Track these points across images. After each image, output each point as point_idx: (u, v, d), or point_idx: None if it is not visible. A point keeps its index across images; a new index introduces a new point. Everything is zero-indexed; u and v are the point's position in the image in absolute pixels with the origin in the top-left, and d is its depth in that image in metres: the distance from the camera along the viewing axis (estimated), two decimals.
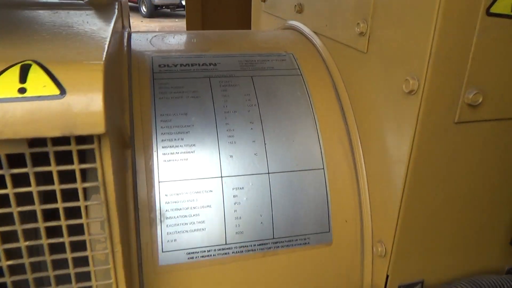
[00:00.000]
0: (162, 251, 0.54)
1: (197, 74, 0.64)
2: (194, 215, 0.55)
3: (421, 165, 0.51)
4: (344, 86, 0.65)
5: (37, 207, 0.40)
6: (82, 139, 0.39)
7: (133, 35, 0.73)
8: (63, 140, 0.38)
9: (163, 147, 0.57)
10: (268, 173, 0.59)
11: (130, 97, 0.59)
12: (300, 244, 0.59)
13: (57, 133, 0.36)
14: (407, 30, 0.48)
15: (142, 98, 0.60)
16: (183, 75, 0.64)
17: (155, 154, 0.56)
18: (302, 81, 0.67)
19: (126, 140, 0.54)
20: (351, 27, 0.60)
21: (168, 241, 0.55)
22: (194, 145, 0.58)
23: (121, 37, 0.67)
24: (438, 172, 0.52)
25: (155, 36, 0.74)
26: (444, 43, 0.45)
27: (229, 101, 0.62)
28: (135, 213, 0.54)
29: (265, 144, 0.60)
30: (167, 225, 0.55)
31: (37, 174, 0.39)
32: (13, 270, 0.42)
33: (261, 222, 0.58)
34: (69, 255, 0.43)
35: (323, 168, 0.61)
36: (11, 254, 0.41)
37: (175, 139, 0.58)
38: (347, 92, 0.65)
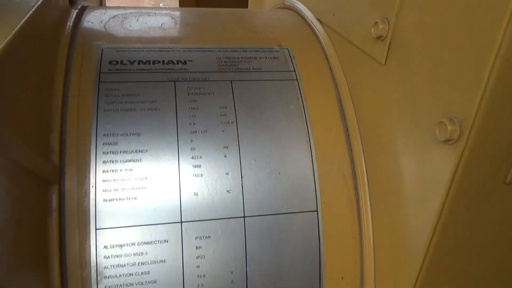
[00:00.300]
0: None
1: (160, 76, 0.49)
2: (142, 273, 0.42)
3: (452, 231, 0.37)
4: (352, 103, 0.50)
5: None
6: None
7: (86, 15, 0.57)
8: None
9: (104, 181, 0.43)
10: (244, 216, 0.45)
11: (63, 109, 0.44)
12: None
13: None
14: (452, 44, 0.32)
15: (80, 110, 0.45)
16: (140, 77, 0.48)
17: (92, 190, 0.42)
18: (298, 90, 0.51)
19: (46, 175, 0.39)
20: (365, 26, 0.43)
21: None
22: (146, 178, 0.44)
23: (62, 15, 0.51)
24: (475, 239, 0.38)
25: (114, 17, 0.57)
26: (508, 74, 0.29)
27: (198, 117, 0.47)
28: (61, 271, 0.40)
29: (241, 177, 0.46)
30: (105, 287, 0.41)
31: None
32: None
33: (232, 281, 0.45)
34: None
35: (317, 211, 0.47)
36: None
37: (121, 170, 0.43)
38: (356, 112, 0.50)
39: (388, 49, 0.41)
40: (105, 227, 0.42)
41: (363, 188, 0.48)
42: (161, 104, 0.47)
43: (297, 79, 0.52)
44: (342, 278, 0.48)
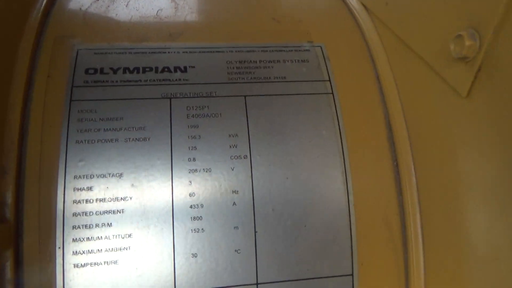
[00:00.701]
0: None
1: (151, 91, 0.37)
2: None
3: None
4: (406, 131, 0.37)
5: None
6: None
7: None
8: None
9: (74, 241, 0.33)
10: (257, 283, 0.35)
11: (21, 143, 0.33)
12: None
13: None
14: None
15: (44, 141, 0.34)
16: (125, 92, 0.37)
17: (58, 254, 0.32)
18: (333, 107, 0.38)
19: None
20: (441, 37, 0.30)
21: None
22: (130, 235, 0.33)
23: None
24: None
25: (97, 0, 0.44)
26: None
27: (200, 150, 0.36)
28: None
29: (255, 232, 0.35)
30: None
31: None
32: None
33: None
34: None
35: (352, 274, 0.36)
36: None
37: (97, 225, 0.33)
38: (411, 143, 0.37)
39: (476, 77, 0.27)
40: None
41: (416, 247, 0.36)
42: (152, 132, 0.35)
43: (332, 92, 0.39)
44: None
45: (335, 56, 0.41)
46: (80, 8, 0.43)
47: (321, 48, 0.42)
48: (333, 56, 0.41)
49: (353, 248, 0.36)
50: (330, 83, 0.40)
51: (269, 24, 0.44)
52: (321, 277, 0.36)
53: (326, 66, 0.41)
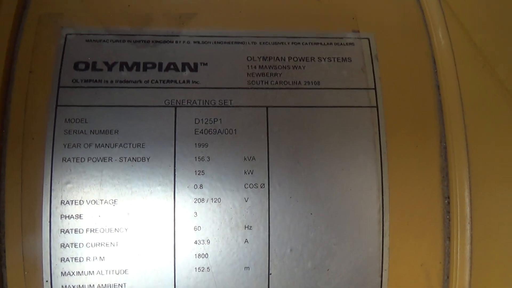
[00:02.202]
0: None
1: (152, 96, 0.30)
2: None
3: None
4: (467, 164, 0.29)
5: None
6: None
7: None
8: None
9: (63, 275, 0.29)
10: None
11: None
12: None
13: None
14: None
15: (26, 158, 0.29)
16: (121, 96, 0.30)
17: None
18: (376, 127, 0.31)
19: None
20: None
21: None
22: (125, 272, 0.29)
23: None
24: None
25: None
26: None
27: (208, 174, 0.30)
28: None
29: (269, 274, 0.30)
30: None
31: None
32: None
33: None
34: None
35: None
36: None
37: (88, 259, 0.29)
38: (471, 180, 0.29)
39: None
40: None
41: None
42: (152, 151, 0.29)
43: (377, 106, 0.31)
44: None
45: (386, 54, 0.32)
46: None
47: (369, 41, 0.33)
48: (383, 54, 0.32)
49: None
50: (376, 93, 0.31)
51: (306, 3, 0.35)
52: None
53: (373, 69, 0.32)
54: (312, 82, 0.32)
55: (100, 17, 0.32)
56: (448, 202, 0.31)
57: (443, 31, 0.30)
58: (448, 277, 0.31)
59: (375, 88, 0.32)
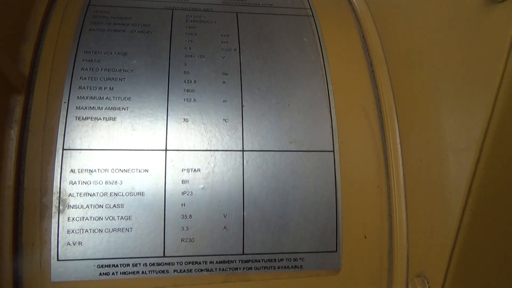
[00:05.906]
0: (58, 259, 0.34)
1: (156, 3, 0.44)
2: (115, 205, 0.34)
3: (493, 178, 0.27)
4: (377, 36, 0.43)
5: None
6: None
7: None
8: None
9: (79, 98, 0.36)
10: (243, 150, 0.37)
11: (44, 21, 0.39)
12: (287, 267, 0.37)
13: None
14: None
15: (62, 26, 0.40)
16: (134, 2, 0.44)
17: (63, 106, 0.36)
18: (313, 24, 0.45)
19: (13, 81, 0.34)
20: None
21: (68, 243, 0.34)
22: (129, 98, 0.37)
23: None
24: None
25: None
26: None
27: (195, 42, 0.41)
28: (16, 194, 0.33)
29: (242, 106, 0.38)
30: (68, 218, 0.34)
31: None
32: None
33: (225, 227, 0.36)
34: None
35: (333, 151, 0.38)
36: None
37: (100, 88, 0.37)
38: (383, 45, 0.42)
39: None
40: (74, 148, 0.35)
41: (392, 128, 0.39)
42: (154, 28, 0.41)
43: (313, 16, 0.46)
44: (365, 237, 0.38)
45: None
46: None
47: None
48: None
49: (333, 128, 0.39)
50: (311, 10, 0.46)
51: None
52: (302, 151, 0.38)
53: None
54: (268, 4, 0.46)
55: None
56: (371, 65, 0.42)
57: None
58: (381, 113, 0.40)
59: (310, 9, 0.47)
